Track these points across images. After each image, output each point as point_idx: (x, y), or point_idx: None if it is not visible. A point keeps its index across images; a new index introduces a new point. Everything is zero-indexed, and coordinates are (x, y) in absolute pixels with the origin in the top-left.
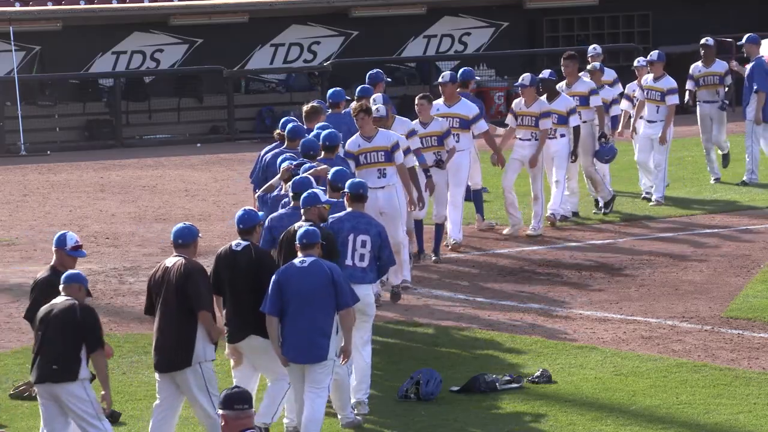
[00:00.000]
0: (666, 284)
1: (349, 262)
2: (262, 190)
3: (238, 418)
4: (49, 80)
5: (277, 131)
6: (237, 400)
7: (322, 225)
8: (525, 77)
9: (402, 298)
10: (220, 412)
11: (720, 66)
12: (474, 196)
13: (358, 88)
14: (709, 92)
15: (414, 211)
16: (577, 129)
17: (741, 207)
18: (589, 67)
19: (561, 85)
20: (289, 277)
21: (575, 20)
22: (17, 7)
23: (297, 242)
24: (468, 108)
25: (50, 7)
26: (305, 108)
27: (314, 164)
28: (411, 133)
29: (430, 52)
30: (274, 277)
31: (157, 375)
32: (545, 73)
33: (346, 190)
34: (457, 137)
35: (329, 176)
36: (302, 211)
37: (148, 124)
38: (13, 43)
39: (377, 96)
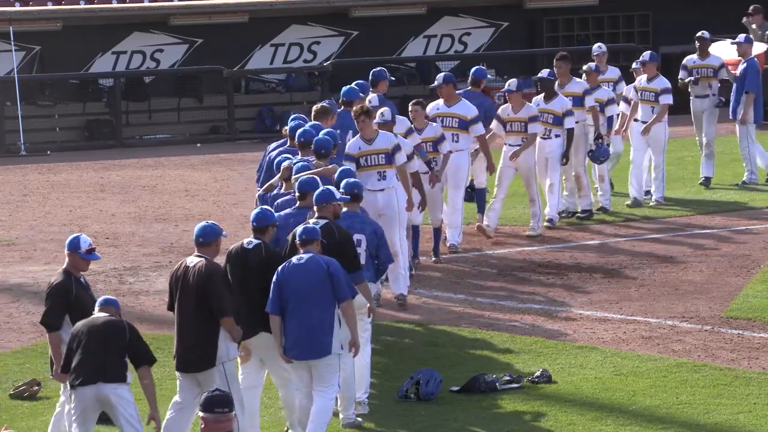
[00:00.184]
0: (666, 284)
1: None
2: (262, 189)
3: (218, 421)
4: (49, 80)
5: (285, 128)
6: (217, 403)
7: (338, 223)
8: (511, 83)
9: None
10: (201, 414)
11: (715, 59)
12: (477, 196)
13: (343, 90)
14: (702, 86)
15: (412, 211)
16: (571, 131)
17: (741, 207)
18: (585, 67)
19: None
20: (288, 275)
21: (575, 20)
22: (17, 7)
23: (297, 239)
24: (467, 109)
25: (50, 7)
26: (315, 108)
27: (311, 158)
28: (409, 131)
29: (430, 52)
30: (274, 276)
31: (178, 374)
32: (544, 72)
33: (341, 190)
34: (456, 137)
35: (342, 185)
36: (316, 208)
37: (148, 124)
38: (13, 43)
39: (373, 97)
